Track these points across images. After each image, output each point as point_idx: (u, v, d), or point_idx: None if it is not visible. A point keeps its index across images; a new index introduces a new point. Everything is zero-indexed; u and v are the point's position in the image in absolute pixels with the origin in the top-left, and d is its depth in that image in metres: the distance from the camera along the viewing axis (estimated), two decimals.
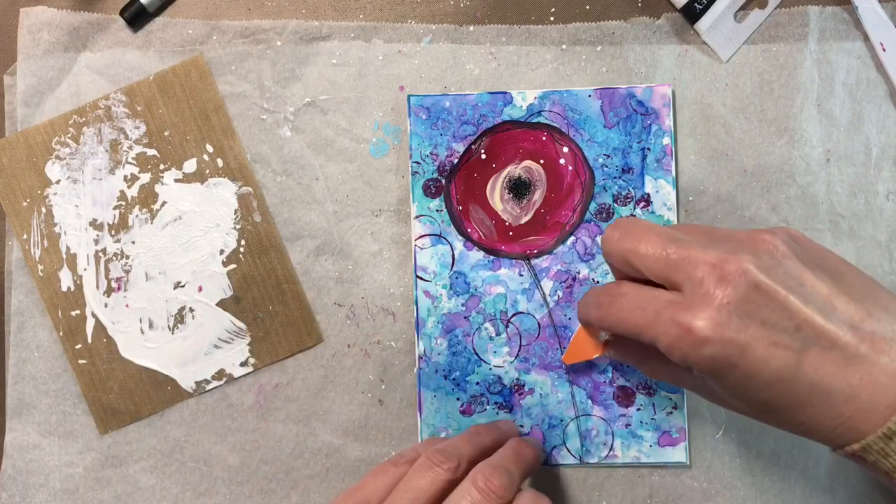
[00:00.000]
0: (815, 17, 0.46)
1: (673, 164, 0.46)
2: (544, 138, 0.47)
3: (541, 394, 0.46)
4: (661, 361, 0.39)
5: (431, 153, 0.47)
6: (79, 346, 0.47)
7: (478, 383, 0.47)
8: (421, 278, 0.47)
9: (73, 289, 0.47)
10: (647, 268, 0.35)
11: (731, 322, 0.32)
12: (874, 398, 0.32)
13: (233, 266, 0.47)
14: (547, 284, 0.47)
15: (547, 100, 0.47)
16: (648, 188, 0.46)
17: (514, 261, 0.47)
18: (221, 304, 0.47)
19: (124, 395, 0.47)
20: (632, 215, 0.46)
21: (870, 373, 0.32)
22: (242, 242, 0.47)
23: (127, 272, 0.47)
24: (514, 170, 0.47)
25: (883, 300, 0.34)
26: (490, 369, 0.47)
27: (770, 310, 0.33)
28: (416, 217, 0.47)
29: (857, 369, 0.32)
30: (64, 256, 0.47)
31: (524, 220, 0.47)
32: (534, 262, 0.47)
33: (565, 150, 0.47)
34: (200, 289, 0.47)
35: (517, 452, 0.40)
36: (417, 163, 0.47)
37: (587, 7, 0.47)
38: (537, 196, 0.47)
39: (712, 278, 0.33)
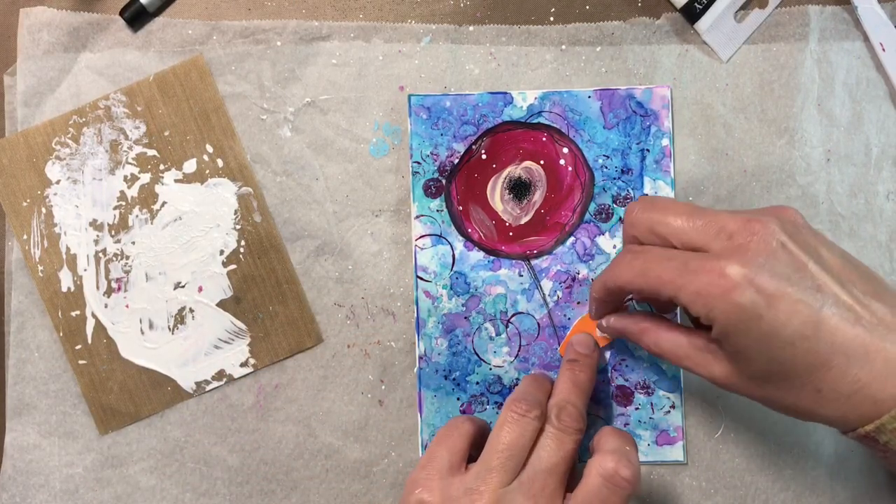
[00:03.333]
0: (815, 17, 0.46)
1: (672, 165, 0.46)
2: (544, 139, 0.47)
3: None
4: (665, 331, 0.39)
5: (432, 153, 0.47)
6: (79, 347, 0.47)
7: (478, 383, 0.47)
8: (421, 278, 0.47)
9: (73, 289, 0.47)
10: (673, 234, 0.36)
11: (761, 272, 0.34)
12: (888, 366, 0.33)
13: (233, 266, 0.47)
14: (547, 285, 0.47)
15: (547, 100, 0.47)
16: (647, 189, 0.46)
17: (514, 261, 0.47)
18: (221, 304, 0.47)
19: (124, 396, 0.47)
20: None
21: (883, 343, 0.33)
22: (242, 243, 0.47)
23: (127, 272, 0.47)
24: (515, 170, 0.47)
25: (884, 283, 0.36)
26: (490, 369, 0.47)
27: (793, 269, 0.34)
28: (417, 217, 0.47)
29: (873, 336, 0.34)
30: (64, 257, 0.47)
31: (524, 220, 0.47)
32: (534, 262, 0.47)
33: (565, 150, 0.47)
34: (200, 289, 0.47)
35: (573, 383, 0.42)
36: (418, 163, 0.47)
37: (587, 7, 0.47)
38: (537, 196, 0.47)
39: (743, 233, 0.35)
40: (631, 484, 0.37)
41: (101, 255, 0.47)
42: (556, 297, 0.47)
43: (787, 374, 0.35)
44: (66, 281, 0.47)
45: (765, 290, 0.33)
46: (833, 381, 0.34)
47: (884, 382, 0.33)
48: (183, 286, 0.47)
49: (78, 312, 0.47)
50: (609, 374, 0.46)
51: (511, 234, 0.47)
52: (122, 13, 0.47)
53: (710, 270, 0.34)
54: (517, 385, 0.47)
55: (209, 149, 0.47)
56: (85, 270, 0.47)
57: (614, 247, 0.46)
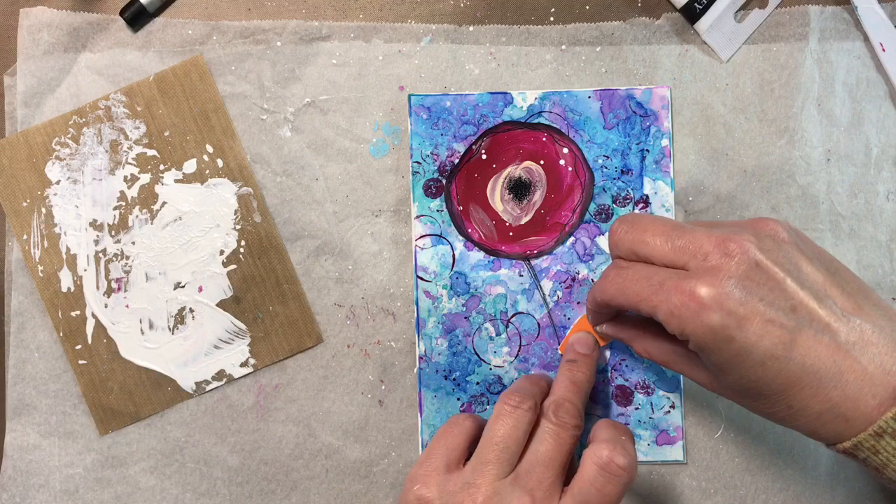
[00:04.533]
0: (815, 17, 0.46)
1: (671, 165, 0.46)
2: (544, 139, 0.47)
3: None
4: (654, 338, 0.40)
5: (432, 153, 0.47)
6: (79, 347, 0.47)
7: (478, 383, 0.47)
8: (421, 278, 0.47)
9: (73, 289, 0.47)
10: (653, 254, 0.37)
11: (732, 294, 0.34)
12: (861, 386, 0.33)
13: (233, 266, 0.47)
14: (547, 285, 0.47)
15: (547, 100, 0.47)
16: (647, 189, 0.46)
17: (514, 261, 0.47)
18: (222, 304, 0.47)
19: (124, 396, 0.47)
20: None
21: (858, 361, 0.34)
22: (242, 243, 0.47)
23: (127, 273, 0.47)
24: (515, 170, 0.47)
25: (872, 298, 0.36)
26: (490, 369, 0.47)
27: (768, 289, 0.34)
28: (417, 217, 0.47)
29: (847, 356, 0.34)
30: (64, 257, 0.47)
31: (524, 220, 0.47)
32: (534, 262, 0.47)
33: (565, 150, 0.47)
34: (200, 289, 0.47)
35: (571, 381, 0.42)
36: (418, 162, 0.47)
37: (587, 7, 0.47)
38: (537, 197, 0.47)
39: (716, 254, 0.35)
40: (626, 471, 0.37)
41: (101, 255, 0.47)
42: (556, 297, 0.47)
43: (761, 391, 0.35)
44: (66, 281, 0.47)
45: (734, 312, 0.33)
46: (804, 399, 0.34)
47: (854, 402, 0.34)
48: (183, 286, 0.47)
49: (78, 312, 0.47)
50: (609, 374, 0.46)
51: (511, 234, 0.47)
52: (122, 13, 0.47)
53: (682, 291, 0.34)
54: None
55: (209, 149, 0.47)
56: (85, 270, 0.47)
57: None
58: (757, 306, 0.34)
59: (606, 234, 0.46)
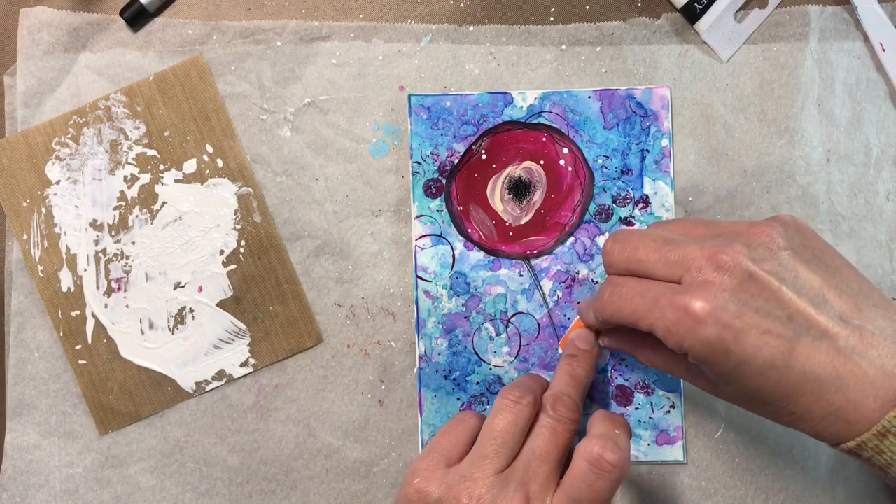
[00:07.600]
0: (815, 17, 0.46)
1: (671, 165, 0.46)
2: (544, 139, 0.47)
3: None
4: (655, 349, 0.40)
5: (432, 153, 0.47)
6: (79, 347, 0.47)
7: (478, 383, 0.47)
8: (421, 278, 0.47)
9: (73, 289, 0.47)
10: (648, 271, 0.37)
11: (727, 307, 0.34)
12: (863, 389, 0.34)
13: (233, 266, 0.47)
14: (547, 285, 0.47)
15: (547, 101, 0.47)
16: (647, 189, 0.46)
17: (514, 261, 0.47)
18: (222, 304, 0.47)
19: (124, 396, 0.47)
20: (629, 217, 0.46)
21: (858, 365, 0.34)
22: (242, 243, 0.47)
23: (127, 273, 0.47)
24: (515, 170, 0.47)
25: (873, 297, 0.36)
26: (490, 369, 0.47)
27: (763, 299, 0.34)
28: (417, 217, 0.47)
29: (847, 360, 0.34)
30: (64, 257, 0.47)
31: (524, 220, 0.47)
32: (534, 262, 0.47)
33: (565, 150, 0.47)
34: (200, 289, 0.47)
35: (571, 375, 0.42)
36: (418, 163, 0.47)
37: (587, 7, 0.47)
38: (537, 197, 0.47)
39: (709, 268, 0.34)
40: (617, 468, 0.37)
41: (101, 255, 0.47)
42: (556, 297, 0.47)
43: (763, 399, 0.35)
44: (66, 281, 0.47)
45: (730, 325, 0.33)
46: (806, 405, 0.34)
47: (856, 406, 0.34)
48: (183, 286, 0.47)
49: (78, 312, 0.47)
50: (609, 374, 0.46)
51: (511, 234, 0.47)
52: (122, 13, 0.47)
53: (676, 307, 0.34)
54: None
55: (209, 149, 0.47)
56: (85, 270, 0.47)
57: None
58: (753, 318, 0.34)
59: (607, 233, 0.46)
